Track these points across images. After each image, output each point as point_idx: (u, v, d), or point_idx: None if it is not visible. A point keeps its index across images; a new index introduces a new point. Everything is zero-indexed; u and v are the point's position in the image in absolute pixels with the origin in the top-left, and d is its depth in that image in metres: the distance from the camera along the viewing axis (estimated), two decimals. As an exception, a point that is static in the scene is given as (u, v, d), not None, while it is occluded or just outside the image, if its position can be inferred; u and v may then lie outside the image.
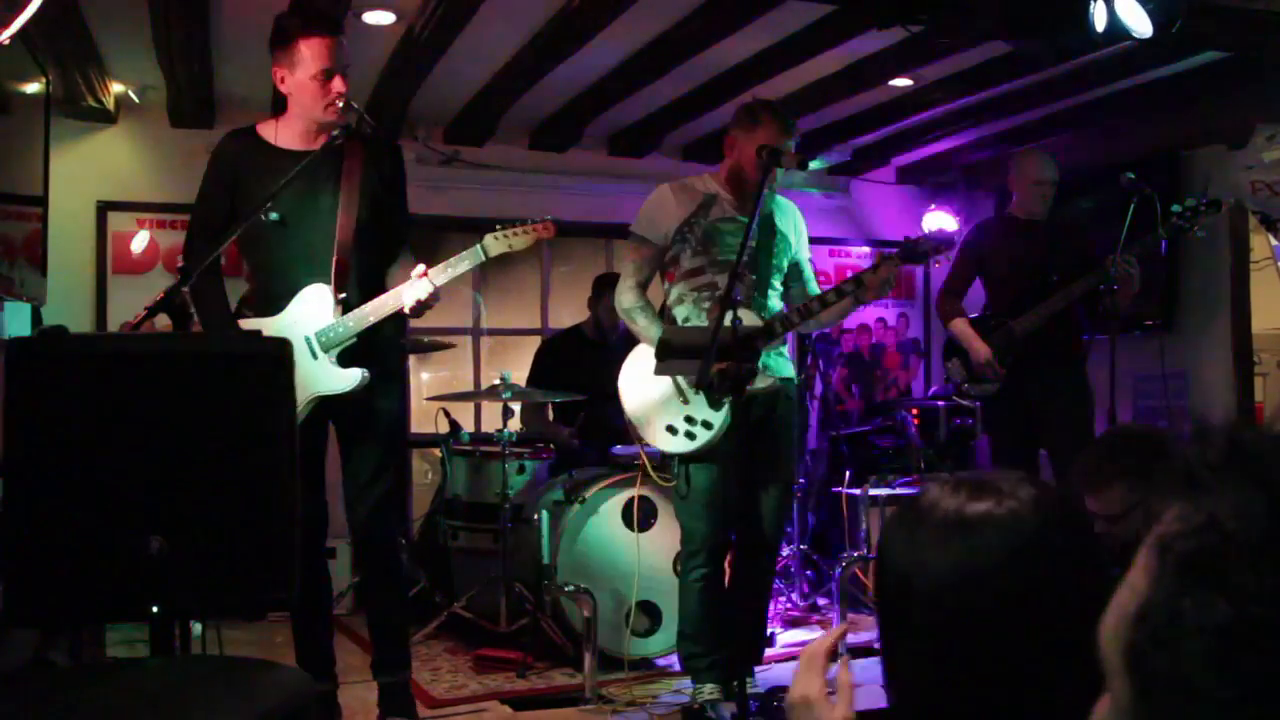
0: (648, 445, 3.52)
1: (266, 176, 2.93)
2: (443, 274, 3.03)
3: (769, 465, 3.53)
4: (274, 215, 2.99)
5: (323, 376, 3.02)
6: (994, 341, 4.37)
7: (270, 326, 3.00)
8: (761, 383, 3.43)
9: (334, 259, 3.01)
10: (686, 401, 3.43)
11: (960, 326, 4.52)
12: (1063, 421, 4.26)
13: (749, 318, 3.38)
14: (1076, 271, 4.26)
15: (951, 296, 4.60)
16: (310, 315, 3.02)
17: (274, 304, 3.05)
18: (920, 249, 3.42)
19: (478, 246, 3.06)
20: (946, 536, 1.06)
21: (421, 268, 3.03)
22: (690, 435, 3.42)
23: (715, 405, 3.38)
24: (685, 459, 3.46)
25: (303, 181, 2.98)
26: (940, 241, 3.45)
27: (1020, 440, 4.36)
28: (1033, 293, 4.32)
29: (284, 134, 3.07)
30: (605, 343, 5.14)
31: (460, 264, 3.04)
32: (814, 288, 3.68)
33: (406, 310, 3.01)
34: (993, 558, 1.03)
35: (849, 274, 6.65)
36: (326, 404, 3.05)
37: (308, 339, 3.01)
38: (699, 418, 3.41)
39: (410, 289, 2.99)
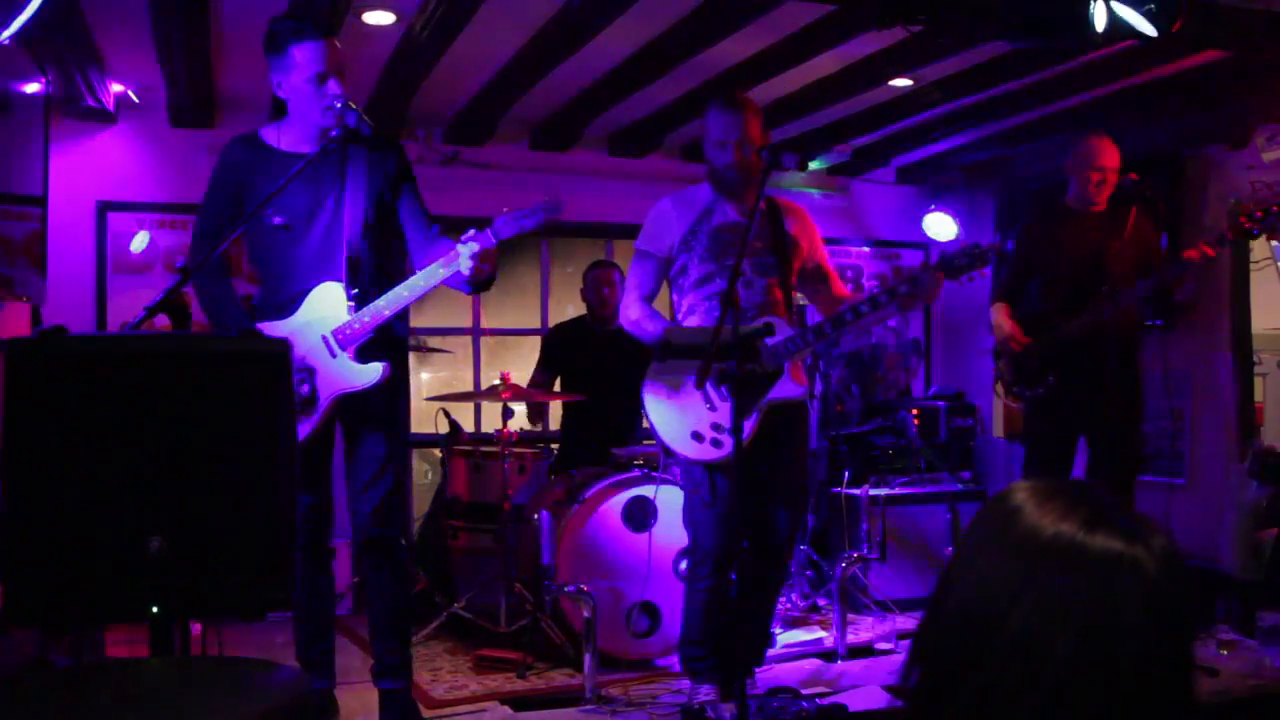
0: (675, 451, 3.48)
1: (273, 181, 2.91)
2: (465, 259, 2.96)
3: (788, 475, 3.53)
4: (279, 220, 2.98)
5: (344, 374, 3.02)
6: (1042, 345, 4.15)
7: (285, 329, 3.00)
8: (788, 393, 3.42)
9: (344, 257, 3.02)
10: (714, 409, 3.41)
11: (996, 309, 4.32)
12: (1108, 417, 4.09)
13: (782, 328, 3.38)
14: (1137, 266, 4.04)
15: (1001, 299, 4.37)
16: (325, 314, 3.03)
17: (285, 307, 3.06)
18: (958, 264, 3.28)
19: (488, 230, 2.99)
20: (1073, 573, 0.85)
21: (472, 231, 2.97)
22: (717, 443, 3.39)
23: (744, 413, 3.33)
24: (711, 467, 3.44)
25: (307, 185, 2.99)
26: (978, 257, 3.27)
27: (1060, 438, 4.20)
28: (1088, 291, 4.07)
29: (286, 138, 3.06)
30: (605, 332, 5.15)
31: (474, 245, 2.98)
32: (838, 288, 3.67)
33: (466, 272, 2.94)
34: (1127, 610, 0.85)
35: (849, 274, 6.74)
36: (337, 402, 3.05)
37: (324, 338, 3.01)
38: (726, 425, 3.39)
39: (466, 251, 2.92)
